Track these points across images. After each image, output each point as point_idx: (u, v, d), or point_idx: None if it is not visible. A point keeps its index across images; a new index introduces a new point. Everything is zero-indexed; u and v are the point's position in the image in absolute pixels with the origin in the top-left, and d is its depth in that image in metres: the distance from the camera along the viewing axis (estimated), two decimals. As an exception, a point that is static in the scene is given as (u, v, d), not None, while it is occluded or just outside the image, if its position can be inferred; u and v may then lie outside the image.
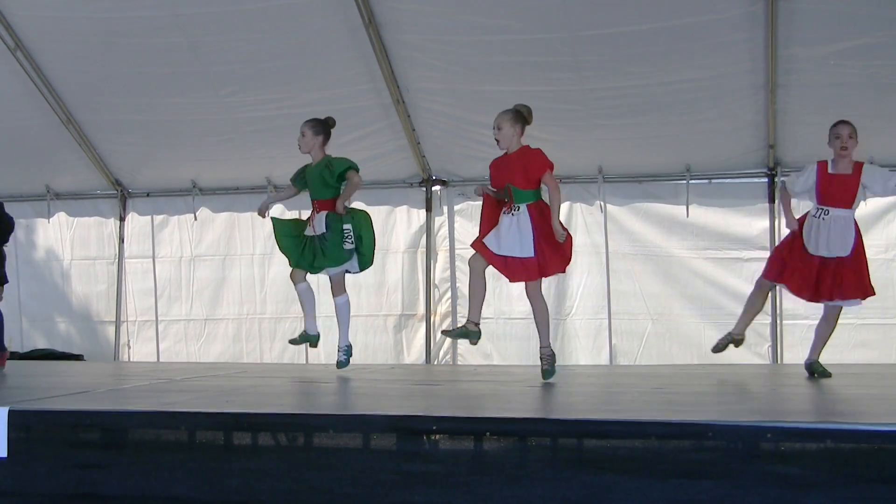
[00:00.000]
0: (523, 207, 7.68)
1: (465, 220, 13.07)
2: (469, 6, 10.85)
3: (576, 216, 12.76)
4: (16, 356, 13.92)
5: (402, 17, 11.15)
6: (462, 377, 9.11)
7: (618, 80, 11.31)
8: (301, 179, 9.16)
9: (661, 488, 4.30)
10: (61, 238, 14.41)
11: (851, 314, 11.27)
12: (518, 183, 7.71)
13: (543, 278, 7.96)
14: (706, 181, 12.49)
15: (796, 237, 8.28)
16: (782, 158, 12.00)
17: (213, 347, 13.73)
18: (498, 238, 7.74)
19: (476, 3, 10.81)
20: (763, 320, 12.08)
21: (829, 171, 8.18)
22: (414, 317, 13.21)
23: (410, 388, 7.68)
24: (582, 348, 12.71)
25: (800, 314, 11.76)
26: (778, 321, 12.01)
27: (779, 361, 11.92)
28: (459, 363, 12.97)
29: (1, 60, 12.16)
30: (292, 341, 9.30)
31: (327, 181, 8.81)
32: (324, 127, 9.02)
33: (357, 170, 8.87)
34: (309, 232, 8.93)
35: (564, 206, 12.68)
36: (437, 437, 4.56)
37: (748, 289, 11.96)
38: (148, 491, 4.81)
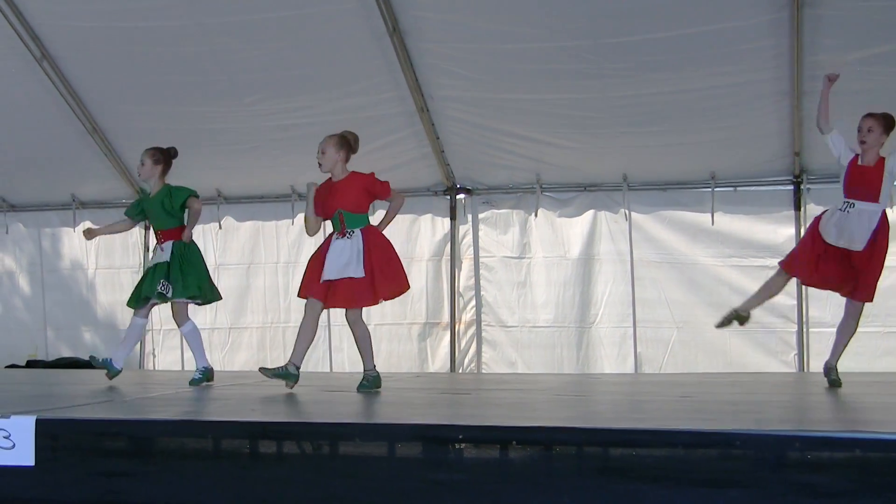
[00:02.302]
0: (357, 231, 7.75)
1: (490, 228, 13.08)
2: (493, 14, 10.84)
3: (600, 224, 12.75)
4: (41, 365, 13.98)
5: (427, 25, 11.15)
6: (487, 386, 9.09)
7: (642, 88, 11.27)
8: (137, 210, 9.09)
9: (687, 497, 4.28)
10: (86, 247, 14.46)
11: (878, 322, 11.24)
12: (350, 208, 7.79)
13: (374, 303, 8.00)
14: (731, 189, 12.46)
15: (816, 236, 8.20)
16: (808, 166, 11.95)
17: (237, 356, 13.75)
18: (325, 266, 7.73)
19: (500, 12, 10.80)
20: (789, 328, 12.06)
21: (858, 163, 8.15)
22: (438, 325, 13.20)
23: (435, 397, 7.68)
24: (607, 356, 12.69)
25: (826, 322, 11.71)
26: (804, 329, 11.96)
27: (805, 370, 11.86)
28: (484, 371, 12.96)
29: (27, 70, 12.22)
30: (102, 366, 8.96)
31: (168, 211, 8.75)
32: (165, 156, 8.97)
33: (197, 196, 8.82)
34: (154, 260, 8.85)
35: (589, 214, 12.72)
36: (463, 445, 4.55)
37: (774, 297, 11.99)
38: (174, 499, 4.81)
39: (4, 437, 4.91)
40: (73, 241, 14.51)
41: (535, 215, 12.89)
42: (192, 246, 8.86)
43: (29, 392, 8.07)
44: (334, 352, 13.48)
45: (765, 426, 4.71)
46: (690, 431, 4.49)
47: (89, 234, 9.42)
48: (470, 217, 13.22)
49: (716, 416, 5.73)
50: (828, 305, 11.72)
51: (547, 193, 12.92)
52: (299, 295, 7.98)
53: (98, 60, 12.09)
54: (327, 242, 7.84)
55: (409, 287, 8.10)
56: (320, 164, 7.91)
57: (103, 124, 13.05)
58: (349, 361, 13.33)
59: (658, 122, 11.64)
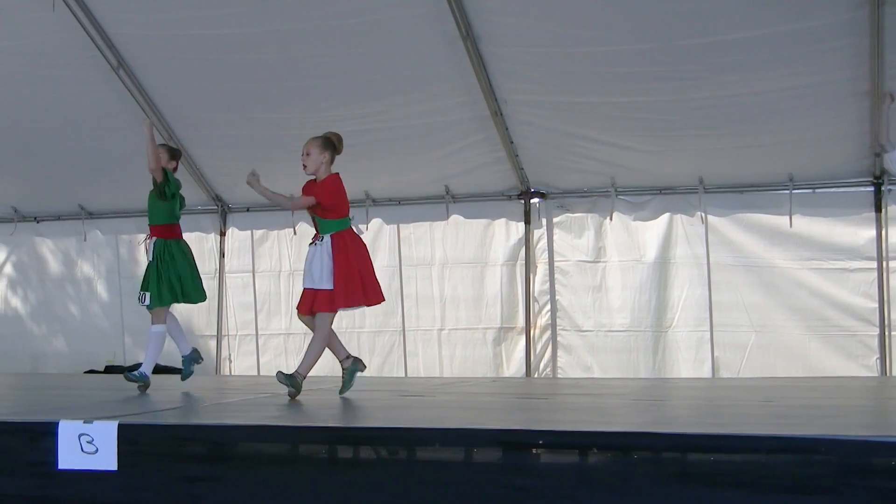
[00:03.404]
0: (327, 238, 7.72)
1: (564, 232, 13.02)
2: (567, 18, 10.78)
3: (676, 227, 12.65)
4: (119, 370, 14.14)
5: (500, 29, 11.12)
6: (563, 390, 9.06)
7: (718, 90, 11.16)
8: None
9: (770, 503, 4.23)
10: (162, 254, 14.58)
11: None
12: (319, 212, 7.82)
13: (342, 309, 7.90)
14: (810, 190, 12.29)
15: None
16: (889, 166, 11.77)
17: (312, 361, 13.79)
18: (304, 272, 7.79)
19: (574, 15, 10.74)
20: (870, 332, 11.87)
21: None
22: (513, 330, 13.17)
23: (512, 402, 7.65)
24: (683, 361, 12.58)
25: (909, 325, 11.57)
26: (886, 333, 11.77)
27: (887, 374, 11.68)
28: (559, 376, 12.90)
29: (104, 79, 12.36)
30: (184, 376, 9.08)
31: (156, 209, 9.05)
32: (172, 154, 9.14)
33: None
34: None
35: (664, 217, 12.62)
36: (542, 451, 4.53)
37: (853, 300, 11.89)
38: (253, 504, 4.84)
39: (88, 442, 4.97)
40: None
41: (610, 219, 12.82)
42: (176, 246, 9.12)
43: (109, 398, 8.15)
44: (409, 357, 13.50)
45: (849, 431, 4.63)
46: (773, 437, 4.44)
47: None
48: (544, 221, 13.17)
49: (798, 422, 5.66)
50: (910, 308, 11.58)
51: (622, 197, 12.85)
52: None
53: (174, 68, 12.20)
54: None
55: (381, 300, 8.11)
56: (305, 166, 7.90)
57: (179, 132, 13.15)
58: (424, 367, 13.36)
59: (734, 123, 11.51)
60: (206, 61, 11.96)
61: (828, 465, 4.21)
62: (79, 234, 14.96)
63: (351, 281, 7.67)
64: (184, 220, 14.33)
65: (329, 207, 7.79)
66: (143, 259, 14.53)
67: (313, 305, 7.71)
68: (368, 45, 11.44)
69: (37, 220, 15.21)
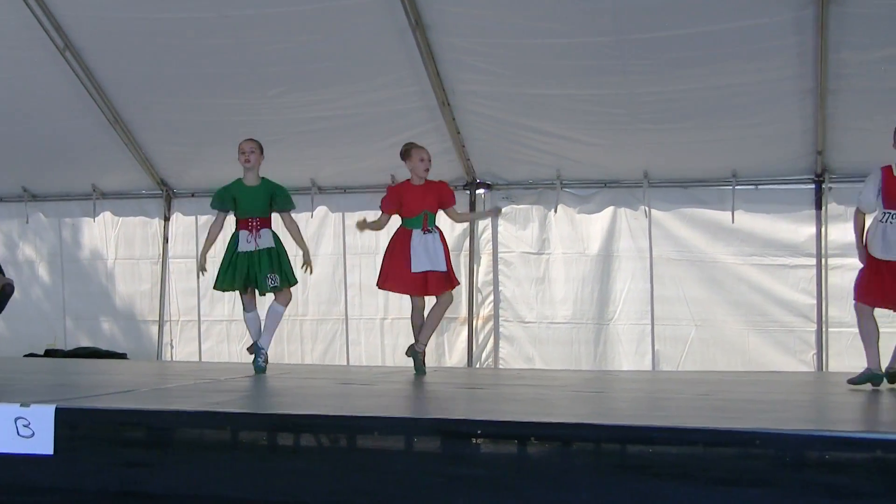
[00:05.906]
0: (435, 229, 9.11)
1: (509, 223, 13.05)
2: (517, 9, 10.81)
3: (620, 221, 12.72)
4: (60, 354, 14.03)
5: (450, 19, 11.12)
6: (505, 381, 9.08)
7: (665, 85, 11.24)
8: (230, 201, 9.21)
9: (706, 495, 4.26)
10: (106, 237, 14.50)
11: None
12: (433, 209, 9.15)
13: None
14: (752, 187, 12.41)
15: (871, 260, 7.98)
16: (830, 165, 11.90)
17: (255, 348, 13.75)
18: (413, 259, 8.98)
19: (524, 7, 10.77)
20: (808, 327, 12.00)
21: (895, 173, 7.89)
22: (456, 320, 13.17)
23: (454, 392, 7.67)
24: (625, 353, 12.66)
25: (846, 322, 11.65)
26: (823, 329, 11.91)
27: (824, 369, 11.81)
28: (501, 367, 12.94)
29: (50, 60, 12.23)
30: (258, 369, 8.94)
31: (271, 203, 9.18)
32: (261, 151, 9.28)
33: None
34: (247, 248, 9.02)
35: (609, 210, 12.69)
36: (482, 440, 4.54)
37: (794, 296, 12.00)
38: (192, 490, 4.81)
39: (24, 426, 4.92)
40: (93, 232, 14.54)
41: (555, 211, 12.86)
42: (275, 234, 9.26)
43: (48, 381, 8.09)
44: (351, 345, 13.50)
45: (785, 425, 4.68)
46: (710, 430, 4.47)
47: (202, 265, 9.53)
48: (489, 212, 13.20)
49: (735, 415, 5.71)
50: (847, 305, 11.66)
51: (567, 189, 12.89)
52: (382, 287, 9.38)
53: (121, 51, 12.10)
54: (405, 238, 9.00)
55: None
56: (427, 170, 9.11)
57: (125, 115, 13.06)
58: (366, 355, 13.35)
59: (680, 119, 11.60)
60: (154, 45, 11.86)
61: (764, 458, 4.24)
62: (21, 216, 14.81)
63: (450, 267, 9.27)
64: (128, 204, 14.41)
65: (437, 207, 9.24)
66: (87, 243, 14.50)
67: (441, 286, 9.04)
68: (319, 32, 11.41)
69: (-23, 201, 15.06)
